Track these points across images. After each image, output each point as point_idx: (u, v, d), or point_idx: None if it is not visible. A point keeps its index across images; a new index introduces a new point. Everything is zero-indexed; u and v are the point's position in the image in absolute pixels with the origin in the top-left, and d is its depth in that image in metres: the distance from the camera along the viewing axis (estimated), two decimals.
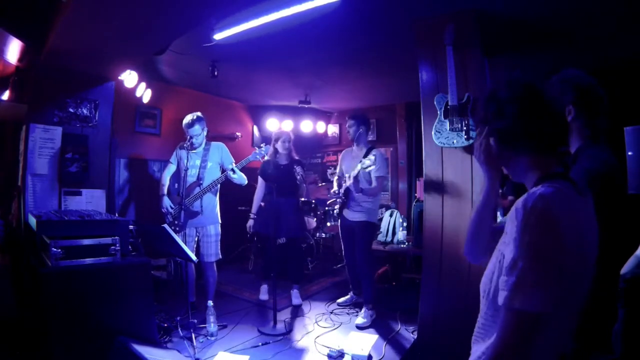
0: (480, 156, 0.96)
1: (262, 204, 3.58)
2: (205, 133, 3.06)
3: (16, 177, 2.76)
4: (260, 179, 3.55)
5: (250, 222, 3.54)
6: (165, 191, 3.06)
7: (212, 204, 3.05)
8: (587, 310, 1.11)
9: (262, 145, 3.10)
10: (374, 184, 3.09)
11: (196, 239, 3.03)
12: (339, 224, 3.42)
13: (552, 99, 0.84)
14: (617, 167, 1.21)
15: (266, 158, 3.45)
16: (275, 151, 3.45)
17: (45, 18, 2.43)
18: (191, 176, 2.96)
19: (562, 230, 0.71)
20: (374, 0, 2.40)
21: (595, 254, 0.83)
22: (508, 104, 0.85)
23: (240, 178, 3.03)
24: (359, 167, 2.85)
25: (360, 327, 2.94)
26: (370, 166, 2.79)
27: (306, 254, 4.51)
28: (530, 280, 0.70)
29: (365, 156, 2.95)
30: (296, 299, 3.44)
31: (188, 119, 2.96)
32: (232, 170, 2.95)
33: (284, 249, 3.69)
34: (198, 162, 3.00)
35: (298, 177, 3.34)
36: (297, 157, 3.54)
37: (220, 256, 3.08)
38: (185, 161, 2.90)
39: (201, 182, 2.96)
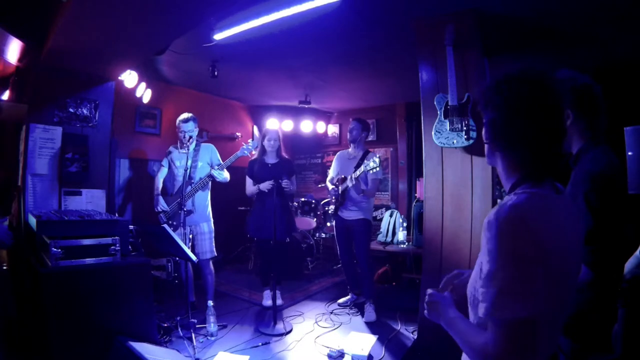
0: None
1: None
2: (196, 133, 3.17)
3: (16, 177, 2.76)
4: (248, 179, 3.39)
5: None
6: (160, 191, 3.13)
7: (204, 203, 3.12)
8: (587, 310, 1.11)
9: (249, 140, 3.12)
10: (370, 185, 3.18)
11: (190, 236, 3.07)
12: (334, 224, 3.47)
13: (556, 103, 0.79)
14: (619, 169, 1.21)
15: (254, 154, 3.42)
16: (263, 149, 3.37)
17: (45, 18, 2.43)
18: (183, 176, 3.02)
19: (540, 235, 0.70)
20: (374, 0, 2.40)
21: (579, 249, 0.82)
22: (508, 100, 0.80)
23: (224, 177, 3.15)
24: (362, 168, 2.97)
25: (369, 323, 3.02)
26: (374, 168, 2.87)
27: (306, 254, 4.51)
28: (514, 287, 0.69)
29: (362, 159, 3.15)
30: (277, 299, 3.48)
31: (184, 115, 3.12)
32: (219, 166, 3.09)
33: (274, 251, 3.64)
34: (189, 163, 3.05)
35: (286, 188, 3.20)
36: (286, 157, 3.44)
37: (216, 253, 3.13)
38: (178, 162, 3.07)
39: (192, 181, 3.03)
